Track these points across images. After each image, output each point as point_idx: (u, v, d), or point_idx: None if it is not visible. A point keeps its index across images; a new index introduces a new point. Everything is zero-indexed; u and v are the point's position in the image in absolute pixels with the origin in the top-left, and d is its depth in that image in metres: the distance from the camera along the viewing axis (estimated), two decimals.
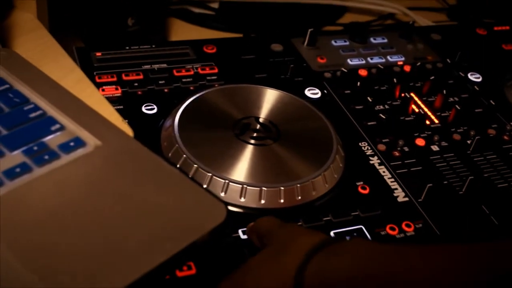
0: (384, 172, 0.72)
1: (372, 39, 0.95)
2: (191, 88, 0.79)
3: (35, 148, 0.53)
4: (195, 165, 0.65)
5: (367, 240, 0.54)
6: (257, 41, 0.90)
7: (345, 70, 0.86)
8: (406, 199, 0.69)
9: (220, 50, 0.86)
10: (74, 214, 0.47)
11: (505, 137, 0.80)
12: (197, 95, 0.74)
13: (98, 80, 0.77)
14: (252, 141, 0.69)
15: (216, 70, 0.82)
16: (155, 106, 0.75)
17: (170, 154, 0.67)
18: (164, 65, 0.82)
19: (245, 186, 0.64)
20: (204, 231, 0.47)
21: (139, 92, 0.77)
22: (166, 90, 0.78)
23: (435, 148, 0.76)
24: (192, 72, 0.81)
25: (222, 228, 0.49)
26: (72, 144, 0.53)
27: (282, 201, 0.65)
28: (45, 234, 0.45)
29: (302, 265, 0.48)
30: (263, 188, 0.64)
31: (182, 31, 0.98)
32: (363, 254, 0.48)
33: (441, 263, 0.46)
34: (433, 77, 0.85)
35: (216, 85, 0.79)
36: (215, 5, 1.04)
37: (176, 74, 0.80)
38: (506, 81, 0.89)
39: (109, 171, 0.51)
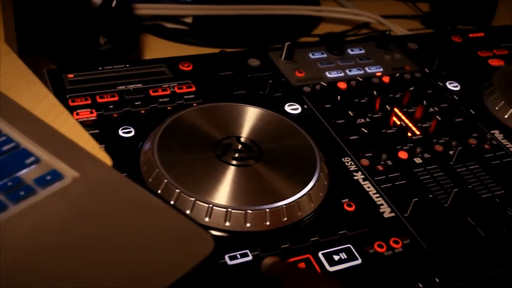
0: (369, 187, 0.71)
1: (349, 50, 0.94)
2: (169, 108, 0.77)
3: (10, 183, 0.50)
4: (177, 190, 0.63)
5: None
6: (234, 57, 0.88)
7: (324, 84, 0.85)
8: (392, 214, 0.68)
9: (196, 67, 0.85)
10: (53, 255, 0.45)
11: (486, 146, 0.80)
12: (175, 116, 0.73)
13: (71, 104, 0.75)
14: (234, 162, 0.68)
15: (193, 89, 0.81)
16: (132, 129, 0.73)
17: (150, 179, 0.65)
18: (140, 85, 0.80)
19: (229, 209, 0.62)
20: (192, 265, 0.46)
21: (115, 115, 0.75)
22: (142, 112, 0.76)
23: (418, 160, 0.76)
24: (168, 92, 0.80)
25: (210, 258, 0.48)
26: (48, 177, 0.51)
27: (267, 223, 0.63)
28: (21, 279, 0.43)
29: None
30: (248, 211, 0.62)
31: (156, 48, 0.96)
32: None
33: None
34: (412, 88, 0.85)
35: (194, 104, 0.77)
36: (189, 20, 1.03)
37: (152, 94, 0.79)
38: (484, 89, 0.89)
39: (89, 205, 0.49)
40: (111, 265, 0.45)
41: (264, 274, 0.59)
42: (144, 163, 0.67)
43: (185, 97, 0.79)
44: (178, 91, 0.80)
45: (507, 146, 0.80)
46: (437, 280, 0.64)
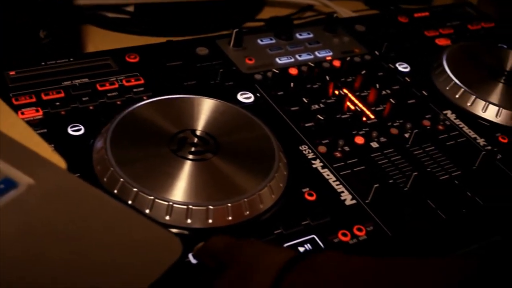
0: (328, 175, 0.70)
1: (297, 35, 0.93)
2: (118, 102, 0.74)
3: None
4: (135, 189, 0.60)
5: (337, 253, 0.52)
6: (181, 46, 0.86)
7: (276, 71, 0.83)
8: (354, 201, 0.67)
9: (143, 59, 0.82)
10: (11, 268, 0.42)
11: (440, 127, 0.80)
12: (127, 111, 0.70)
13: (15, 103, 0.71)
14: (191, 157, 0.66)
15: (142, 81, 0.78)
16: (81, 126, 0.70)
17: (105, 179, 0.62)
18: (86, 80, 0.76)
19: (190, 206, 0.60)
20: (161, 271, 0.44)
21: (63, 112, 0.71)
22: (91, 108, 0.73)
23: (374, 145, 0.75)
24: (116, 85, 0.76)
25: (178, 262, 0.46)
26: (1, 186, 0.48)
27: (230, 218, 0.61)
28: None
29: (276, 284, 0.46)
30: (210, 206, 0.61)
31: (99, 39, 0.93)
32: (335, 268, 0.47)
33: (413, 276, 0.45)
34: (364, 71, 0.84)
35: (144, 98, 0.75)
36: (131, 9, 0.99)
37: (100, 88, 0.75)
38: (434, 70, 0.89)
39: (47, 213, 0.47)
40: (75, 277, 0.42)
41: (198, 259, 0.57)
42: (97, 162, 0.64)
43: (134, 90, 0.76)
44: (126, 84, 0.77)
45: (460, 126, 0.81)
46: None
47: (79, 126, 0.70)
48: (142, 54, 0.83)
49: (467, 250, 0.68)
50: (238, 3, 1.09)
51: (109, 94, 0.75)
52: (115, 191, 0.61)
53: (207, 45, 0.87)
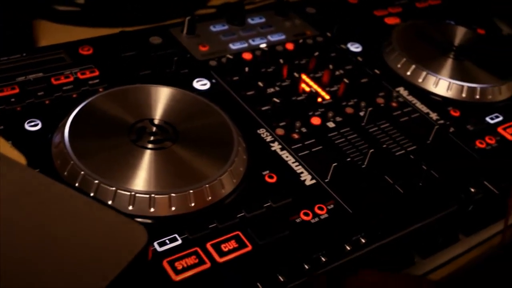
0: (287, 157, 0.71)
1: (250, 20, 0.93)
2: (74, 96, 0.74)
3: None
4: (96, 181, 0.61)
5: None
6: (134, 36, 0.85)
7: (230, 56, 0.84)
8: (314, 181, 0.69)
9: (97, 50, 0.81)
10: None
11: (394, 104, 0.82)
12: (83, 103, 0.69)
13: None
14: (150, 146, 0.66)
15: (97, 73, 0.78)
16: (39, 121, 0.69)
17: (66, 173, 0.62)
18: (40, 74, 0.76)
19: (152, 195, 0.61)
20: (128, 260, 0.44)
21: (18, 108, 0.70)
22: (47, 102, 0.72)
23: (331, 125, 0.77)
24: (71, 78, 0.76)
25: (144, 250, 0.46)
26: None
27: (192, 204, 0.62)
28: None
29: None
30: (172, 194, 0.61)
31: (51, 33, 0.91)
32: None
33: None
34: (317, 53, 0.85)
35: (100, 89, 0.74)
36: (81, 1, 0.98)
37: (54, 82, 0.75)
38: (384, 48, 0.91)
39: (10, 209, 0.47)
40: (45, 270, 0.43)
41: None
42: (57, 157, 0.64)
43: (90, 82, 0.76)
44: (81, 77, 0.77)
45: (413, 102, 0.83)
46: (363, 240, 0.66)
47: (36, 121, 0.69)
48: (96, 46, 0.82)
49: (424, 222, 0.70)
50: None
51: (64, 88, 0.74)
52: (77, 184, 0.61)
53: (160, 34, 0.87)
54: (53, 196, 0.49)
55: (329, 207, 0.66)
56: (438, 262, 0.79)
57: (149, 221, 0.61)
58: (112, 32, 0.87)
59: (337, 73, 0.85)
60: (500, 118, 0.83)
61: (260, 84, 0.80)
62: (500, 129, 0.82)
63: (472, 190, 0.75)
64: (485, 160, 0.77)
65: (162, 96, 0.73)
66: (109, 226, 0.47)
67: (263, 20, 0.94)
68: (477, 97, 0.85)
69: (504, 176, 0.79)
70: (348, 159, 0.72)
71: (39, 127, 0.69)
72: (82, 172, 0.61)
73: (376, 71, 0.87)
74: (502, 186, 0.77)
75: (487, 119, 0.83)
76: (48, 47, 0.81)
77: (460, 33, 0.97)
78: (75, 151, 0.63)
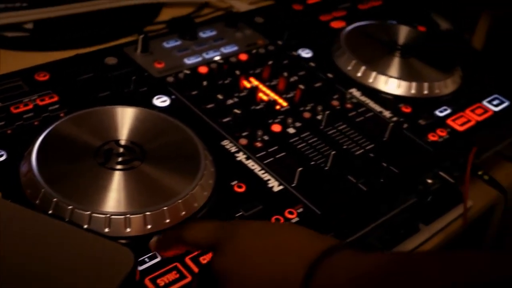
0: (253, 165, 0.73)
1: (201, 34, 0.95)
2: (36, 123, 0.74)
3: None
4: (70, 207, 0.61)
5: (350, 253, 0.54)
6: (89, 58, 0.86)
7: (187, 71, 0.85)
8: (281, 187, 0.71)
9: (53, 76, 0.81)
10: None
11: (348, 106, 0.85)
12: (48, 130, 0.70)
13: None
14: (119, 167, 0.67)
15: (56, 98, 0.78)
16: (3, 152, 0.69)
17: (37, 201, 0.63)
18: None
19: (128, 215, 0.62)
20: (116, 283, 0.45)
21: None
22: (9, 132, 0.72)
23: (291, 130, 0.79)
24: (31, 106, 0.76)
25: (132, 272, 0.47)
26: None
27: (167, 221, 0.63)
28: None
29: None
30: (147, 212, 0.62)
31: (4, 61, 0.91)
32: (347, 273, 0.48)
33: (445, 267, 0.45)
34: (270, 62, 0.87)
35: (62, 115, 0.75)
36: (30, 26, 0.98)
37: (14, 111, 0.75)
38: (334, 52, 0.94)
39: None
40: None
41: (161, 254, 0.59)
42: (27, 186, 0.65)
43: (50, 108, 0.76)
44: (41, 103, 0.77)
45: (366, 102, 0.86)
46: None
47: (0, 152, 0.69)
48: (52, 71, 0.82)
49: (389, 216, 0.74)
50: (135, 8, 1.10)
51: (25, 116, 0.74)
52: (50, 211, 0.62)
53: (115, 54, 0.87)
54: (33, 226, 0.50)
55: (298, 211, 0.68)
56: None
57: (125, 241, 0.61)
58: (64, 55, 0.87)
59: (291, 79, 0.87)
60: (449, 111, 0.87)
61: (220, 96, 0.82)
62: (449, 121, 0.86)
63: (429, 181, 0.79)
64: (439, 152, 0.80)
65: (125, 117, 0.74)
66: (95, 251, 0.48)
67: (214, 33, 0.96)
68: (426, 92, 0.89)
69: (457, 165, 0.83)
70: (312, 163, 0.74)
71: (4, 157, 0.68)
72: (55, 199, 0.62)
73: (329, 75, 0.90)
74: (455, 175, 0.81)
75: (437, 112, 0.87)
76: (3, 75, 0.81)
77: (403, 31, 1.01)
78: (45, 178, 0.64)
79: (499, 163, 0.94)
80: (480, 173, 0.84)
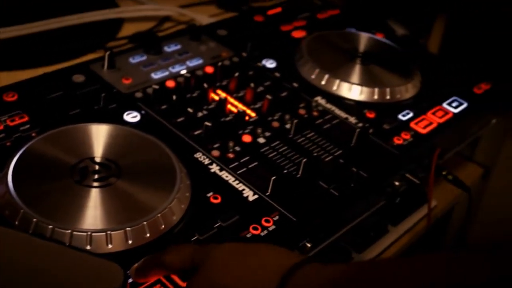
0: (227, 176, 0.74)
1: (166, 48, 0.96)
2: (8, 144, 0.74)
3: None
4: (50, 226, 0.61)
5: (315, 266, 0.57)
6: (57, 76, 0.86)
7: (155, 86, 0.86)
8: (256, 196, 0.72)
9: (22, 95, 0.81)
10: None
11: (315, 113, 0.87)
12: (22, 150, 0.70)
13: None
14: (96, 184, 0.68)
15: (26, 118, 0.78)
16: None
17: (17, 222, 0.63)
18: None
19: (108, 232, 0.62)
20: None
21: None
22: None
23: (261, 140, 0.81)
24: (1, 127, 0.76)
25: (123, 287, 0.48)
26: None
27: (148, 235, 0.64)
28: None
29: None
30: (127, 228, 0.63)
31: None
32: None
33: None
34: (236, 73, 0.89)
35: (33, 134, 0.75)
36: None
37: None
38: (297, 61, 0.96)
39: None
40: None
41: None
42: (4, 207, 0.64)
43: (21, 128, 0.76)
44: (11, 124, 0.77)
45: (332, 109, 0.88)
46: (308, 245, 0.71)
47: None
48: (20, 91, 0.82)
49: (361, 218, 0.76)
50: (97, 24, 1.10)
51: None
52: (30, 232, 0.62)
53: (82, 72, 0.87)
54: (19, 247, 0.50)
55: (274, 219, 0.70)
56: (373, 254, 0.85)
57: (109, 257, 0.62)
58: (31, 73, 0.87)
59: (258, 90, 0.89)
60: (411, 114, 0.90)
61: (189, 109, 0.83)
62: (412, 124, 0.88)
63: (397, 183, 0.81)
64: (404, 155, 0.83)
65: (98, 134, 0.74)
66: (83, 268, 0.49)
67: (179, 46, 0.97)
68: (388, 97, 0.92)
69: (422, 167, 0.86)
70: (284, 171, 0.76)
71: None
72: (35, 219, 0.62)
73: (294, 84, 0.92)
74: (421, 176, 0.84)
75: (400, 116, 0.90)
76: None
77: (362, 39, 1.04)
78: (23, 199, 0.64)
79: (460, 163, 0.98)
80: (444, 173, 0.88)
